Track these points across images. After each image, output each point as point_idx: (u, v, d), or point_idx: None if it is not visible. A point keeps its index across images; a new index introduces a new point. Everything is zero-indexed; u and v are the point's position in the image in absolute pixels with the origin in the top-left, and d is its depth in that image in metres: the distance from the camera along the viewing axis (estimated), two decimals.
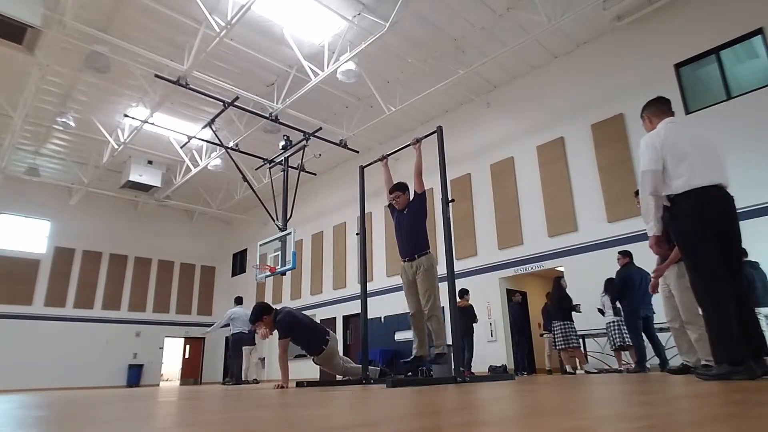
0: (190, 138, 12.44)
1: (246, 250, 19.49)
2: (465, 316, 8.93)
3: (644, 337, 6.91)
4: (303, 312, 6.43)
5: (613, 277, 7.47)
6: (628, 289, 6.94)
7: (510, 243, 10.76)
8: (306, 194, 14.82)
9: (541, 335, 10.09)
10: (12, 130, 12.16)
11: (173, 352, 19.06)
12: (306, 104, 11.34)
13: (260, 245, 11.12)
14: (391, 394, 2.85)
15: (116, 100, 12.10)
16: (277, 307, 5.93)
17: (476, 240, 11.43)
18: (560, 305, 8.56)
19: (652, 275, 4.76)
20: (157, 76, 9.85)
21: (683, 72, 8.91)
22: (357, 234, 6.40)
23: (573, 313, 8.46)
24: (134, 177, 14.64)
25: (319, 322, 7.26)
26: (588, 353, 8.87)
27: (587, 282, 8.74)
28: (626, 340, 7.63)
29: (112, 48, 9.57)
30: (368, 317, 5.95)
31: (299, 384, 5.56)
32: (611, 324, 7.86)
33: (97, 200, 16.86)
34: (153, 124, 12.07)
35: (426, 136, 5.50)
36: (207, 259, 20.09)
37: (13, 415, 2.24)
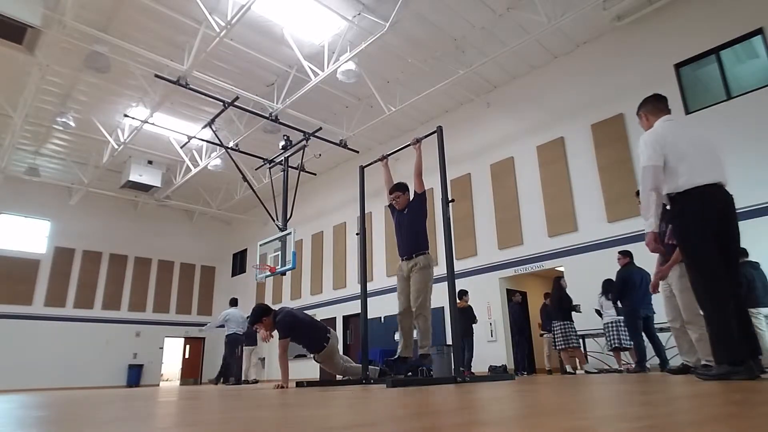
0: (190, 138, 12.44)
1: (246, 250, 19.48)
2: (464, 317, 8.94)
3: (644, 337, 6.92)
4: (303, 312, 6.43)
5: (611, 278, 7.48)
6: (628, 289, 6.95)
7: (510, 243, 10.76)
8: (306, 194, 14.82)
9: (541, 335, 10.09)
10: (12, 130, 12.16)
11: (173, 352, 19.06)
12: (306, 104, 11.34)
13: (260, 245, 11.13)
14: (391, 394, 2.85)
15: (116, 100, 12.10)
16: (277, 307, 5.93)
17: (476, 240, 11.43)
18: (560, 305, 8.57)
19: (654, 276, 4.75)
20: (157, 76, 9.86)
21: (683, 72, 8.91)
22: (357, 234, 6.39)
23: (573, 313, 8.47)
24: (134, 177, 14.64)
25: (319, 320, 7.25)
26: (588, 353, 8.87)
27: (587, 282, 8.73)
28: (623, 341, 7.64)
29: (112, 48, 9.58)
30: (368, 317, 5.95)
31: (299, 384, 5.55)
32: (609, 325, 7.86)
33: (97, 200, 16.86)
34: (153, 124, 12.07)
35: (426, 136, 5.50)
36: (207, 259, 20.10)
37: (13, 415, 2.24)
